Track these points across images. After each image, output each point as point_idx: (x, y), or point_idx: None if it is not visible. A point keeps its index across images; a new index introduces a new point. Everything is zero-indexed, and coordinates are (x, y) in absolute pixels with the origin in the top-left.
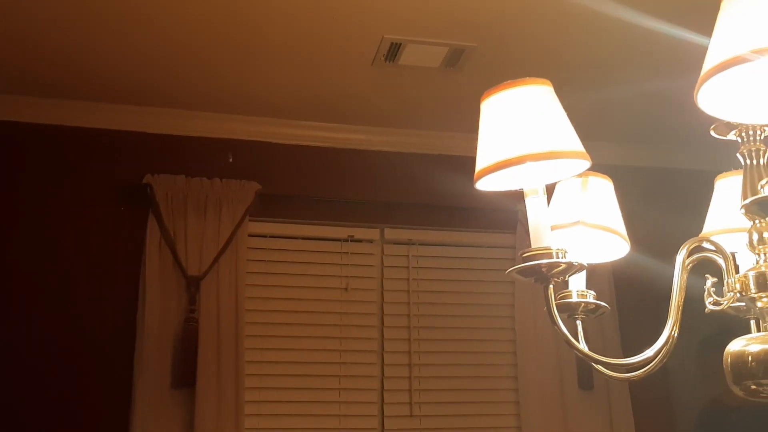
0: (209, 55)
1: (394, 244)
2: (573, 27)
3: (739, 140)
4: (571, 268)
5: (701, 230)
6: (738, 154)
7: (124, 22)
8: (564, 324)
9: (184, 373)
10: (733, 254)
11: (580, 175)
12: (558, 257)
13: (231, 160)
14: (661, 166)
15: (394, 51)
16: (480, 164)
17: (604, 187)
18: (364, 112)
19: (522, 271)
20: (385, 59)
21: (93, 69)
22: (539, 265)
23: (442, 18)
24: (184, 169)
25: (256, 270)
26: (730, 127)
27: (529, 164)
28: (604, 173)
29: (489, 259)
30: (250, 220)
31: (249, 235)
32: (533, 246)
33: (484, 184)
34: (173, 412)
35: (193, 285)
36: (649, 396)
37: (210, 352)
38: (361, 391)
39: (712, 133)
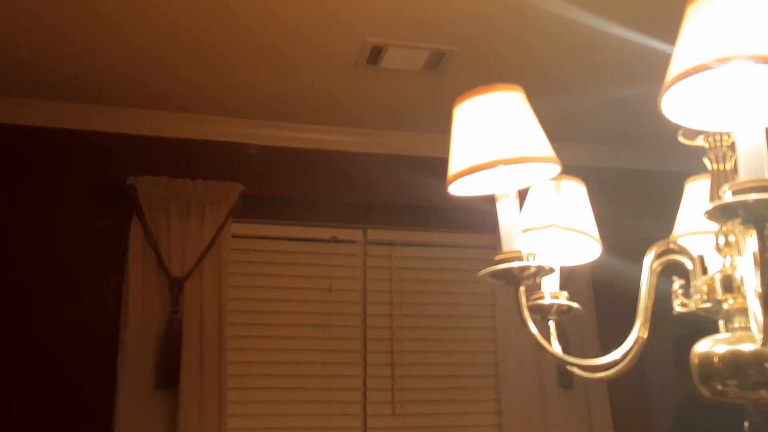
0: (192, 57)
1: (377, 245)
2: (550, 34)
3: (706, 145)
4: (542, 271)
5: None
6: (705, 159)
7: (105, 22)
8: (538, 325)
9: (168, 374)
10: (701, 257)
11: (553, 179)
12: (529, 260)
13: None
14: (635, 167)
15: (376, 54)
16: (452, 169)
17: (577, 190)
18: (347, 114)
19: (493, 274)
20: (367, 62)
21: (75, 70)
22: (510, 268)
23: (423, 22)
24: (167, 170)
25: (239, 271)
26: (697, 132)
27: (500, 169)
28: (579, 175)
29: (471, 260)
30: (233, 222)
31: (232, 237)
32: (504, 249)
33: (456, 189)
34: (156, 412)
35: (176, 286)
36: (627, 393)
37: (193, 353)
38: (344, 390)
39: (680, 138)
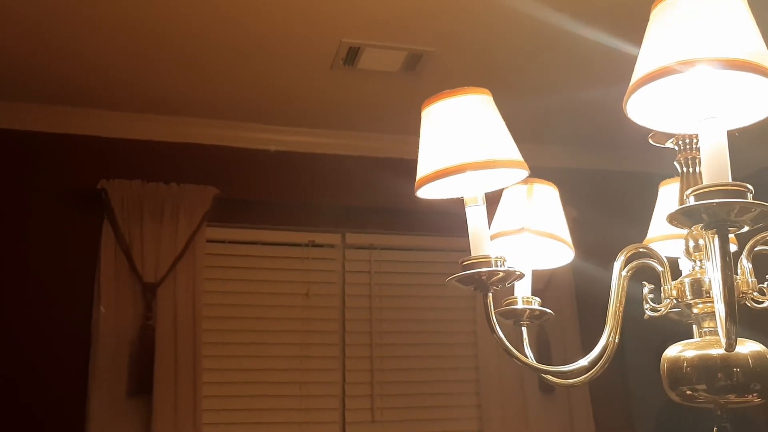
0: (166, 59)
1: (356, 248)
2: (527, 37)
3: (676, 148)
4: (510, 276)
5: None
6: (675, 162)
7: (76, 23)
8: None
9: (141, 381)
10: (676, 260)
11: (525, 182)
12: (497, 265)
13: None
14: (609, 169)
15: (352, 55)
16: (420, 173)
17: (549, 194)
18: (324, 116)
19: (461, 280)
20: (344, 63)
21: (45, 71)
22: (479, 273)
23: (400, 22)
24: (140, 173)
25: (214, 276)
26: (667, 135)
27: (468, 173)
28: (557, 177)
29: (451, 264)
30: (208, 226)
31: (207, 241)
32: (473, 254)
33: (424, 193)
34: (129, 420)
35: (149, 291)
36: (609, 398)
37: (167, 360)
38: (323, 397)
39: (650, 141)
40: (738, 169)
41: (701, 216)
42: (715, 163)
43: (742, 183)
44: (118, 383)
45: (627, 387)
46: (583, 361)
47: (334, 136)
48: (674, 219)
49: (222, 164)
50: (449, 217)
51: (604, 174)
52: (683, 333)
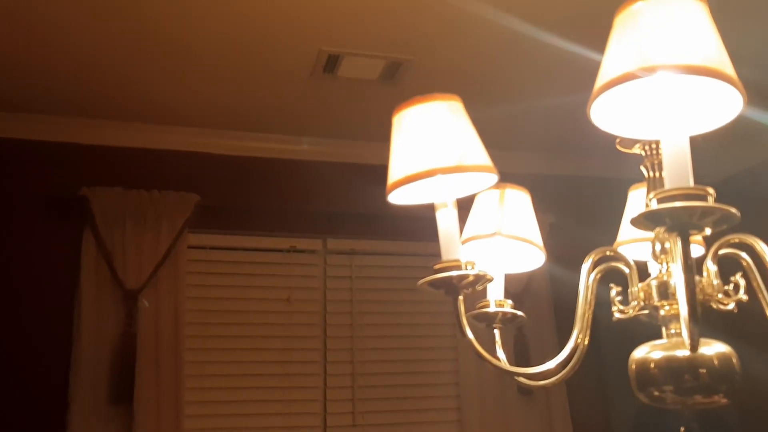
0: (147, 66)
1: (337, 254)
2: (498, 46)
3: (643, 153)
4: (480, 280)
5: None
6: (641, 167)
7: (54, 30)
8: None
9: (122, 389)
10: (645, 263)
11: (497, 187)
12: (467, 269)
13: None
14: (584, 174)
15: (332, 63)
16: (391, 177)
17: (521, 199)
18: (305, 123)
19: (432, 284)
20: (324, 71)
21: (25, 80)
22: (449, 277)
23: (379, 31)
24: (122, 180)
25: (196, 282)
26: (634, 140)
27: (438, 177)
28: (530, 182)
29: (431, 269)
30: (189, 232)
31: (188, 247)
32: (443, 258)
33: (395, 197)
34: (110, 428)
35: (131, 298)
36: (587, 399)
37: (148, 367)
38: (305, 402)
39: (617, 146)
40: (704, 176)
41: (664, 219)
42: (676, 168)
43: (703, 187)
44: (100, 390)
45: (604, 388)
46: (551, 364)
47: (314, 143)
48: (637, 222)
49: (203, 171)
50: (429, 223)
51: (580, 179)
52: (659, 335)
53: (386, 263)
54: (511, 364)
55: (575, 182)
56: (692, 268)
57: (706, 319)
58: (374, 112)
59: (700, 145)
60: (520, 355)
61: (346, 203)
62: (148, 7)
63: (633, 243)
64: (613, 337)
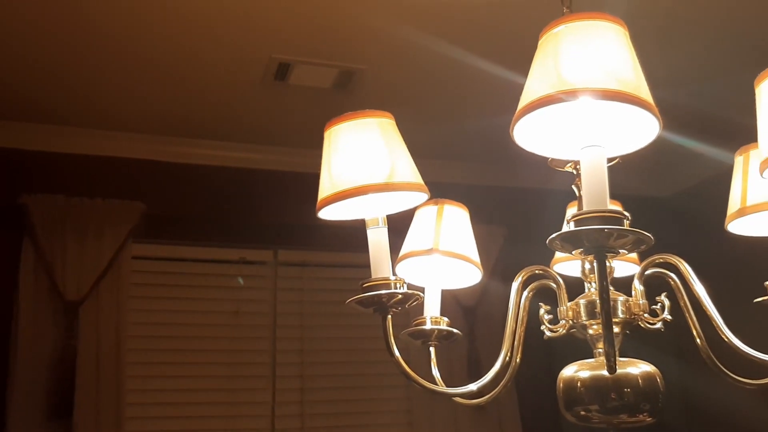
0: (92, 71)
1: (288, 266)
2: (439, 67)
3: (574, 172)
4: (410, 298)
5: None
6: (573, 186)
7: None
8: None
9: (61, 403)
10: (582, 280)
11: (435, 203)
12: (396, 287)
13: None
14: (538, 187)
15: (283, 71)
16: (321, 194)
17: (459, 215)
18: (255, 131)
19: (361, 302)
20: (275, 78)
21: None
22: (378, 295)
23: (330, 39)
24: (64, 188)
25: (140, 294)
26: (566, 160)
27: (369, 195)
28: (483, 194)
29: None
30: (134, 242)
31: (133, 258)
32: (373, 276)
33: (326, 214)
34: None
35: (71, 310)
36: (539, 411)
37: (89, 382)
38: (252, 417)
39: (549, 164)
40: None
41: (582, 241)
42: (594, 190)
43: (619, 210)
44: (37, 406)
45: (556, 400)
46: (473, 386)
47: (265, 152)
48: (552, 243)
49: (149, 179)
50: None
51: (534, 192)
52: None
53: (338, 275)
54: (464, 377)
55: (530, 194)
56: (608, 289)
57: (640, 337)
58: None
59: (657, 158)
60: (472, 370)
61: (297, 214)
62: (93, 8)
63: (570, 261)
64: (566, 351)
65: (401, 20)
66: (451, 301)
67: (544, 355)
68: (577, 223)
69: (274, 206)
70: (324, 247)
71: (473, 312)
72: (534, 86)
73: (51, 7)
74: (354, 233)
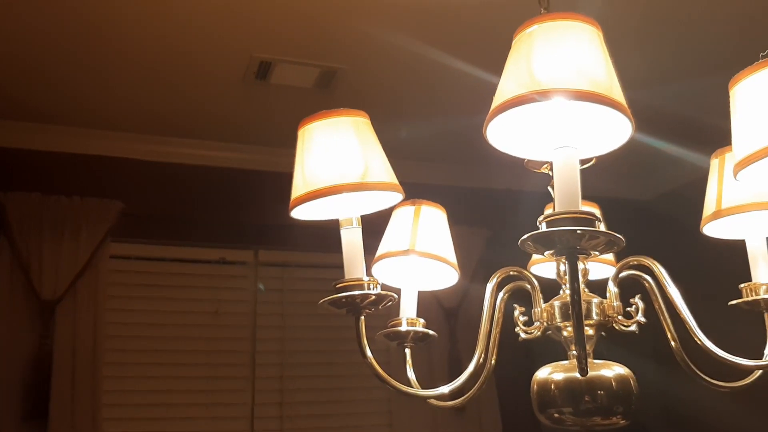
0: (71, 67)
1: (268, 266)
2: (423, 65)
3: (550, 173)
4: (383, 299)
5: None
6: (549, 188)
7: None
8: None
9: (36, 405)
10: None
11: (412, 204)
12: (369, 288)
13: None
14: (519, 188)
15: (264, 70)
16: (294, 193)
17: (436, 216)
18: (236, 131)
19: (334, 303)
20: (256, 77)
21: None
22: (351, 296)
23: (311, 39)
24: (41, 186)
25: (118, 294)
26: (542, 162)
27: (343, 195)
28: (467, 195)
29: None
30: (112, 241)
31: (111, 257)
32: (346, 276)
33: (299, 213)
34: None
35: (47, 310)
36: (519, 414)
37: (64, 382)
38: (232, 419)
39: (526, 166)
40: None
41: (553, 242)
42: (566, 191)
43: (590, 211)
44: (12, 407)
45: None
46: (444, 389)
47: (246, 151)
48: (523, 244)
49: (128, 178)
50: (364, 236)
51: (516, 194)
52: (596, 352)
53: (318, 275)
54: (445, 379)
55: (512, 196)
56: (579, 291)
57: (617, 338)
58: None
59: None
60: (453, 370)
61: (278, 214)
62: (72, 6)
63: (547, 262)
64: (548, 354)
65: (383, 21)
66: (432, 302)
67: (524, 356)
68: (549, 224)
69: (254, 206)
70: (305, 247)
71: (455, 314)
72: (507, 86)
73: (28, 4)
74: (334, 234)
